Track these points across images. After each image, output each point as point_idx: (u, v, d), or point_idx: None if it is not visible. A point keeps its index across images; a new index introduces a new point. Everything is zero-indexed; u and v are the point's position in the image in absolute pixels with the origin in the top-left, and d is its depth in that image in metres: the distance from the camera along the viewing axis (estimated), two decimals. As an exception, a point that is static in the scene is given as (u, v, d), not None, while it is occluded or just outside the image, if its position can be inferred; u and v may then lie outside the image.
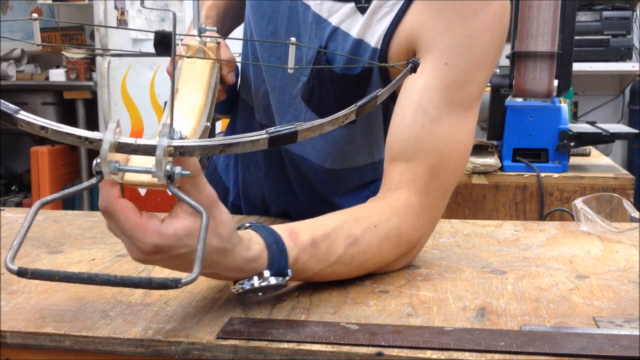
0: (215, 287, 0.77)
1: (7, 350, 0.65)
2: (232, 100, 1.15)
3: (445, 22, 0.85)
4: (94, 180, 0.57)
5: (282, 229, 0.72)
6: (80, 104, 3.76)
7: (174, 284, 0.52)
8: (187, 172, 0.57)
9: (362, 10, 0.92)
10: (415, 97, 0.85)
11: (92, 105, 3.73)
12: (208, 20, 1.12)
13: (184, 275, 0.54)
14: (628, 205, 1.06)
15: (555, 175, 1.88)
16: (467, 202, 1.90)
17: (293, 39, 0.60)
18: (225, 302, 0.72)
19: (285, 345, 0.61)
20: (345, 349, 0.60)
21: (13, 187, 4.25)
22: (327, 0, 0.95)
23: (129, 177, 0.58)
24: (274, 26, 1.01)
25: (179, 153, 0.55)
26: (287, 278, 0.69)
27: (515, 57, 1.80)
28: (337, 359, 0.60)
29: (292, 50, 0.60)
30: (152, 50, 0.55)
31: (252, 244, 0.68)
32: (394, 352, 0.60)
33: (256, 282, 0.68)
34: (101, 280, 0.52)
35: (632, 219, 1.05)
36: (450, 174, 0.86)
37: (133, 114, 3.54)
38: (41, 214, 1.14)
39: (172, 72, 0.59)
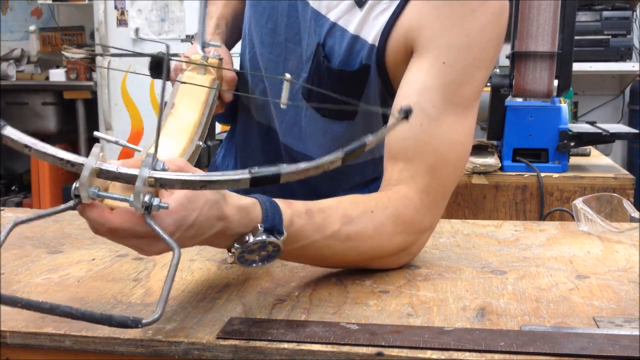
0: (215, 287, 0.77)
1: (7, 350, 0.65)
2: (231, 112, 1.16)
3: (443, 20, 0.85)
4: (71, 203, 0.58)
5: (274, 198, 0.72)
6: (80, 104, 3.76)
7: (134, 323, 0.52)
8: (165, 205, 0.57)
9: (360, 5, 0.92)
10: (414, 96, 0.85)
11: (92, 105, 3.73)
12: (218, 30, 1.11)
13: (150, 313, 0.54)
14: (628, 205, 1.06)
15: (555, 175, 1.88)
16: (467, 202, 1.90)
17: (288, 76, 0.60)
18: (225, 302, 0.72)
19: (285, 345, 0.61)
20: (345, 349, 0.60)
21: (13, 187, 4.25)
22: None
23: (107, 201, 0.59)
24: (273, 23, 1.01)
25: (160, 185, 0.55)
26: (282, 238, 0.68)
27: (515, 57, 1.80)
28: (337, 359, 0.60)
29: (285, 86, 0.60)
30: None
31: (244, 197, 0.68)
32: (394, 352, 0.60)
33: (251, 238, 0.67)
34: (61, 312, 0.52)
35: (632, 219, 1.05)
36: (450, 175, 0.86)
37: (133, 114, 3.55)
38: (41, 214, 1.14)
39: (161, 102, 0.59)
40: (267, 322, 0.66)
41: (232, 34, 1.17)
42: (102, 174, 0.55)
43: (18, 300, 0.52)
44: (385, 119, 0.97)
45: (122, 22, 3.47)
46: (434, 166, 0.84)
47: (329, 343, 0.61)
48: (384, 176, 0.87)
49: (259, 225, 0.67)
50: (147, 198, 0.56)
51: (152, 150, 0.65)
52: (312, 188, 1.08)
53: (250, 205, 0.67)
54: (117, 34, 3.49)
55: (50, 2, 4.02)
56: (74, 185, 0.57)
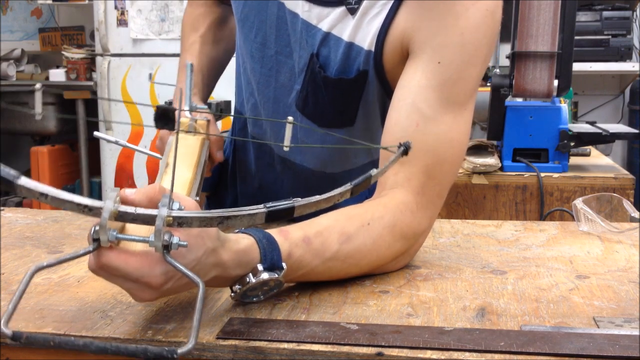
0: (215, 287, 0.77)
1: (7, 350, 0.65)
2: (217, 179, 1.15)
3: (438, 20, 0.85)
4: (90, 248, 0.58)
5: (271, 230, 0.72)
6: (80, 104, 3.76)
7: (170, 354, 0.51)
8: (184, 243, 0.57)
9: (353, 12, 0.91)
10: (409, 97, 0.85)
11: (92, 106, 3.73)
12: (195, 89, 1.09)
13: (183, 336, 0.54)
14: (628, 205, 1.06)
15: (555, 175, 1.88)
16: (467, 202, 1.90)
17: (290, 118, 0.61)
18: (225, 302, 0.72)
19: (285, 345, 0.61)
20: (345, 349, 0.60)
21: (13, 187, 4.24)
22: (316, 6, 0.94)
23: (124, 243, 0.59)
24: (262, 37, 1.00)
25: (178, 223, 0.55)
26: (282, 272, 0.69)
27: (515, 57, 1.80)
28: (337, 359, 0.60)
29: (288, 128, 0.61)
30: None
31: (241, 239, 0.68)
32: (394, 352, 0.60)
33: (252, 279, 0.67)
34: (96, 349, 0.51)
35: (632, 219, 1.05)
36: (446, 173, 0.86)
37: (133, 114, 3.54)
38: (41, 214, 1.14)
39: (174, 144, 0.59)
40: (267, 322, 0.66)
41: (208, 85, 1.16)
42: (120, 216, 0.55)
43: (50, 339, 0.51)
44: (383, 120, 0.97)
45: (122, 22, 3.47)
46: (430, 166, 0.84)
47: (329, 343, 0.61)
48: (378, 180, 0.87)
49: (258, 265, 0.67)
50: (166, 237, 0.56)
51: (164, 183, 0.64)
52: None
53: (247, 247, 0.67)
54: (117, 34, 3.49)
55: (50, 2, 4.02)
56: (92, 229, 0.57)
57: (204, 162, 0.89)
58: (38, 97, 0.60)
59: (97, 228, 0.56)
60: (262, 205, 0.57)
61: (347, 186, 0.61)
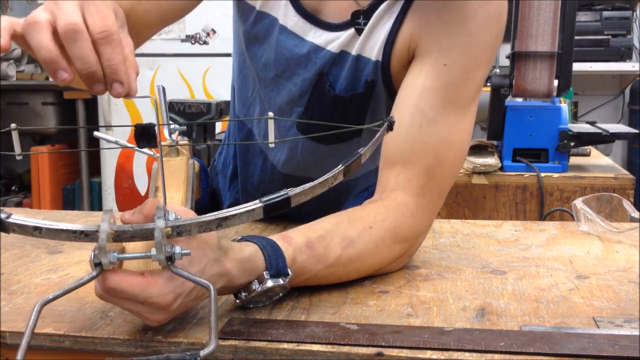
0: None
1: (7, 351, 0.65)
2: (207, 204, 1.14)
3: (446, 23, 0.85)
4: (94, 273, 0.57)
5: (274, 236, 0.72)
6: (80, 104, 3.76)
7: (193, 357, 0.51)
8: (187, 251, 0.57)
9: (361, 33, 0.92)
10: (413, 98, 0.85)
11: (92, 105, 3.72)
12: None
13: (204, 341, 0.55)
14: (628, 205, 1.06)
15: (555, 175, 1.88)
16: (467, 202, 1.90)
17: (271, 114, 0.61)
18: (225, 302, 0.72)
19: (285, 345, 0.61)
20: (345, 349, 0.60)
21: (13, 187, 4.25)
22: (326, 32, 0.95)
23: (127, 263, 0.59)
24: (265, 58, 1.00)
25: (177, 233, 0.55)
26: (288, 278, 0.69)
27: (515, 57, 1.80)
28: (337, 359, 0.60)
29: (271, 124, 0.61)
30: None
31: (245, 246, 0.68)
32: (394, 352, 0.60)
33: (258, 286, 0.67)
34: None
35: (632, 219, 1.05)
36: (447, 174, 0.86)
37: (133, 114, 3.54)
38: (41, 214, 1.14)
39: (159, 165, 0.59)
40: (267, 322, 0.66)
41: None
42: (118, 236, 0.55)
43: None
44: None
45: (122, 22, 3.47)
46: (431, 167, 0.84)
47: (329, 343, 0.61)
48: (379, 180, 0.87)
49: (264, 273, 0.67)
50: (168, 248, 0.56)
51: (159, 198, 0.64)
52: (319, 206, 1.08)
53: (251, 255, 0.67)
54: (117, 34, 3.48)
55: (50, 2, 4.01)
56: (92, 254, 0.57)
57: (192, 181, 0.90)
58: (15, 137, 0.60)
59: (97, 252, 0.55)
60: (257, 201, 0.57)
61: (339, 167, 0.60)
